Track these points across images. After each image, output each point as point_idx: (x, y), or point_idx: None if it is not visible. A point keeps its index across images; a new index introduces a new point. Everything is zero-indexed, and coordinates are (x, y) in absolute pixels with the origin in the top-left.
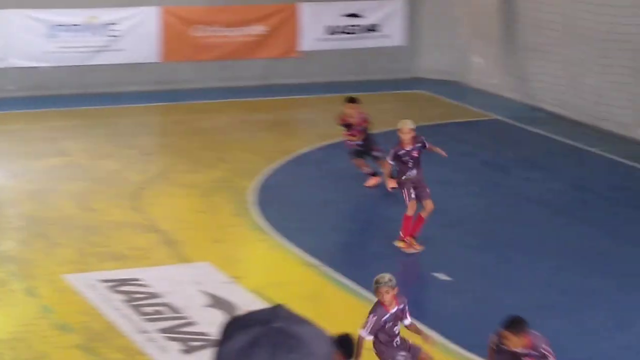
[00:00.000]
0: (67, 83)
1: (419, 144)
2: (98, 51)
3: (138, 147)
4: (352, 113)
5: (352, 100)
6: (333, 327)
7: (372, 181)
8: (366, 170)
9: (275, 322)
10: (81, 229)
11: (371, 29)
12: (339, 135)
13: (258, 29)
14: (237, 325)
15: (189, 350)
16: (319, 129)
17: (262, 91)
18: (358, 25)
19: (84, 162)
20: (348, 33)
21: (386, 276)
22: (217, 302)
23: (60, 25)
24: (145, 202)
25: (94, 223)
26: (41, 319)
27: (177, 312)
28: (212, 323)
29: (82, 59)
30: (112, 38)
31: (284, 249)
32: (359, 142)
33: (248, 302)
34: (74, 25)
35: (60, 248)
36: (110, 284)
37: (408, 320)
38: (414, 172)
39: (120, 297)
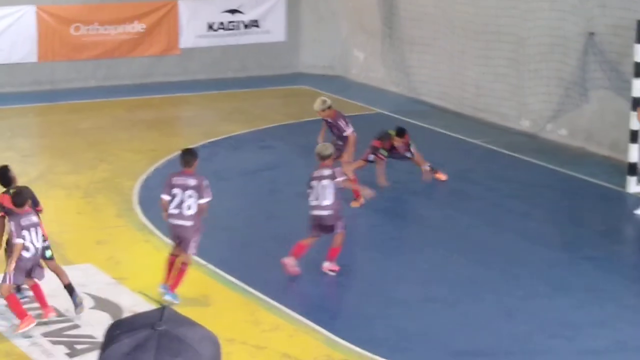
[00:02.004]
0: None
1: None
2: None
3: (17, 149)
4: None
5: (402, 132)
6: (220, 327)
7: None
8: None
9: (161, 325)
10: None
11: (252, 25)
12: (222, 132)
13: (137, 27)
14: (122, 328)
15: (74, 353)
16: (201, 127)
17: (143, 89)
18: (239, 21)
19: None
20: (229, 29)
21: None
22: (102, 304)
23: None
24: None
25: None
26: None
27: (61, 315)
28: (97, 325)
29: None
30: None
31: (168, 249)
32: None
33: (133, 304)
34: None
35: None
36: None
37: None
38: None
39: (2, 302)
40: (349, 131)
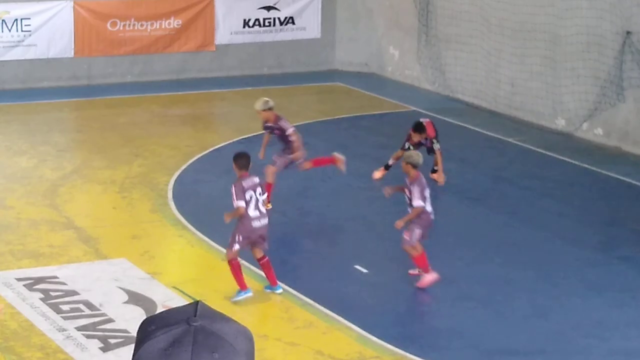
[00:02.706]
0: None
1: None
2: (11, 47)
3: (53, 144)
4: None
5: (418, 128)
6: (254, 323)
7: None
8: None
9: (196, 321)
10: None
11: (287, 21)
12: (256, 129)
13: (173, 23)
14: (156, 324)
15: (107, 348)
16: (235, 123)
17: (178, 85)
18: (274, 18)
19: None
20: (264, 26)
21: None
22: (136, 299)
23: None
24: (61, 199)
25: (9, 221)
26: None
27: (95, 309)
28: (130, 319)
29: None
30: (25, 33)
31: (202, 244)
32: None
33: (167, 298)
34: None
35: None
36: (27, 282)
37: None
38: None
39: (38, 295)
40: (291, 129)
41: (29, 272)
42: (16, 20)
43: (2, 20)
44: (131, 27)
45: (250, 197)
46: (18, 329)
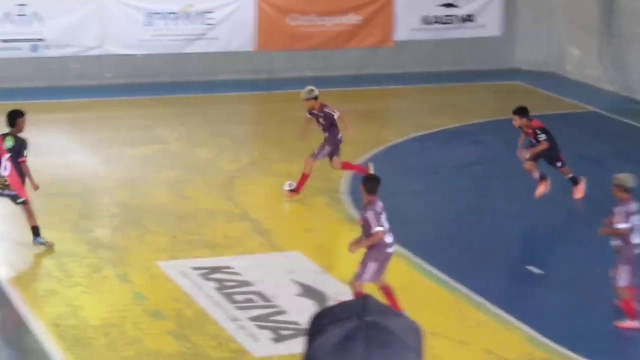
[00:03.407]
0: (162, 71)
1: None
2: (193, 39)
3: (231, 136)
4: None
5: (519, 111)
6: (424, 320)
7: (541, 188)
8: (536, 175)
9: (368, 316)
10: (174, 217)
11: (467, 19)
12: (433, 126)
13: (353, 19)
14: (328, 318)
15: (279, 339)
16: (412, 119)
17: (356, 81)
18: (454, 15)
19: (178, 150)
20: (443, 23)
21: None
22: (308, 292)
23: (156, 13)
24: (238, 190)
25: (187, 211)
26: (134, 305)
27: (268, 301)
28: (302, 312)
29: (177, 47)
30: (208, 26)
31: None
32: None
33: (338, 293)
34: (170, 13)
35: (153, 235)
36: (202, 271)
37: None
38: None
39: (212, 284)
40: (337, 113)
41: (204, 262)
42: (200, 13)
43: (186, 14)
44: (311, 22)
45: (386, 224)
46: (193, 317)
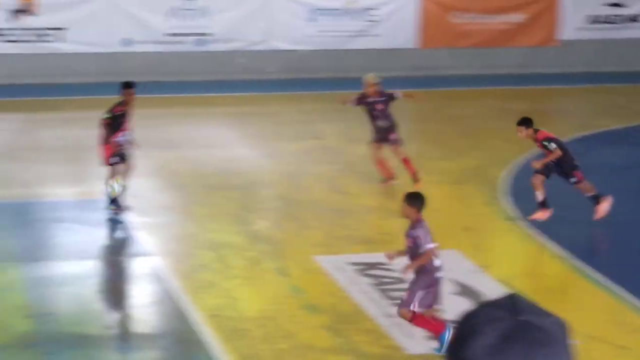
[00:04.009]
0: (323, 67)
1: (384, 98)
2: (356, 36)
3: None
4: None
5: (523, 122)
6: (581, 323)
7: (538, 214)
8: (540, 197)
9: (521, 314)
10: (332, 212)
11: (634, 19)
12: (597, 127)
13: (517, 17)
14: (480, 318)
15: (433, 337)
16: (576, 120)
17: (519, 80)
18: (620, 15)
19: (337, 146)
20: (609, 23)
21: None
22: (465, 291)
23: (320, 9)
24: (395, 187)
25: (344, 206)
26: (291, 298)
27: None
28: (458, 311)
29: (339, 43)
30: (371, 23)
31: (534, 240)
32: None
33: (494, 293)
34: (334, 9)
35: (311, 230)
36: (358, 267)
37: None
38: (379, 122)
39: (368, 280)
40: (398, 91)
41: (361, 258)
42: (363, 10)
43: (350, 10)
44: (473, 20)
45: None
46: (348, 312)
